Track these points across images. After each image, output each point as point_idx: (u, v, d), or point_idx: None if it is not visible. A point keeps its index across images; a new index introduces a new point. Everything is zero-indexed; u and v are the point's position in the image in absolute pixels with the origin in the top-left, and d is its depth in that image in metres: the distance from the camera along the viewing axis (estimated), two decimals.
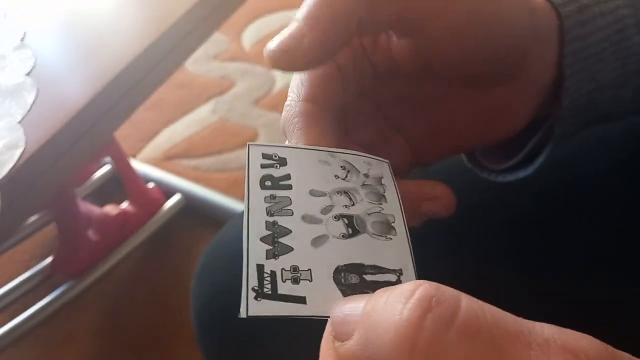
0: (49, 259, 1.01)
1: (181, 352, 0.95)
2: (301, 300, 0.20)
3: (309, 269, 0.21)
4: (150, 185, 1.10)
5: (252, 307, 0.20)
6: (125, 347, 0.97)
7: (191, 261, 1.08)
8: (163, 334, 0.98)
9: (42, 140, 0.54)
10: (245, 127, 1.29)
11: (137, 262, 1.07)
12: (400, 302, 0.17)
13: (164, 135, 1.30)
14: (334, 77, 0.27)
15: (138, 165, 1.16)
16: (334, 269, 0.22)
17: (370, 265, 0.22)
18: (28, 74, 0.59)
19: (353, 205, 0.24)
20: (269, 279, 0.21)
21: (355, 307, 0.19)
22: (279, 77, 1.40)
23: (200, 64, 1.45)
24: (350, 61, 0.28)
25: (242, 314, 0.20)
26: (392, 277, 0.22)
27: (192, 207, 1.12)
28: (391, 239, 0.24)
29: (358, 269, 0.22)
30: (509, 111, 0.30)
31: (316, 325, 0.21)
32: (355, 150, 0.27)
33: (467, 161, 0.35)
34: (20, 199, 0.54)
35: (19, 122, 0.54)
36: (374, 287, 0.21)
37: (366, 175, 0.26)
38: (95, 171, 1.17)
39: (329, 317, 0.20)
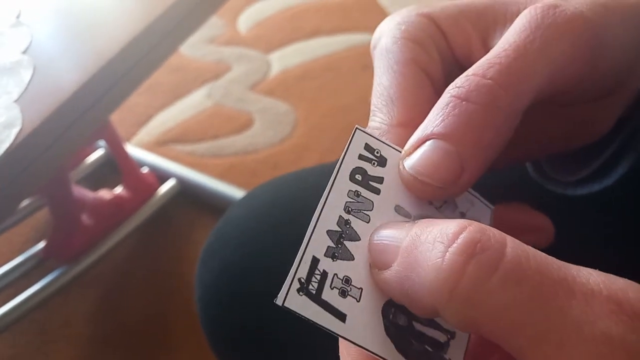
0: (43, 243, 1.00)
1: (180, 335, 0.94)
2: (341, 316, 0.19)
3: (361, 288, 0.20)
4: (145, 170, 1.09)
5: (291, 299, 0.19)
6: (122, 331, 0.96)
7: (186, 246, 1.08)
8: (160, 318, 0.97)
9: (39, 120, 0.53)
10: (241, 112, 1.28)
11: (132, 246, 1.06)
12: (442, 243, 0.17)
13: (158, 120, 1.28)
14: (430, 96, 0.23)
15: (132, 149, 1.15)
16: (386, 300, 0.20)
17: None
18: (24, 52, 0.57)
19: None
20: (318, 277, 0.19)
21: (394, 236, 0.19)
22: (276, 62, 1.39)
23: (195, 48, 1.44)
24: (442, 76, 0.25)
25: (278, 301, 0.18)
26: (442, 337, 0.20)
27: (187, 193, 1.11)
28: None
29: (411, 312, 0.20)
30: (594, 122, 0.27)
31: None
32: None
33: (533, 171, 0.32)
34: (18, 179, 0.53)
35: (16, 100, 0.53)
36: (419, 338, 0.20)
37: (462, 214, 0.23)
38: (88, 155, 1.16)
39: (362, 346, 0.19)
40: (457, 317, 0.17)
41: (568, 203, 0.31)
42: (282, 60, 1.40)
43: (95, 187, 1.05)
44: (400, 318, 0.20)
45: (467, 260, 0.16)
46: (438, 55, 0.25)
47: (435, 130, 0.21)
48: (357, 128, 0.22)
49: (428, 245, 0.18)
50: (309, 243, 0.20)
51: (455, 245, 0.17)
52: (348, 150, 0.22)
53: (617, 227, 0.35)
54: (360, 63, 1.36)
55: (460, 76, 0.22)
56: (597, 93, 0.25)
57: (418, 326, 0.20)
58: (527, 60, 0.21)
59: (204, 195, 1.10)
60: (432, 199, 0.22)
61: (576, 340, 0.15)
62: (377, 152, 0.22)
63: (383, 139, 0.23)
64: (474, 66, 0.22)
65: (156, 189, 1.08)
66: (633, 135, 0.27)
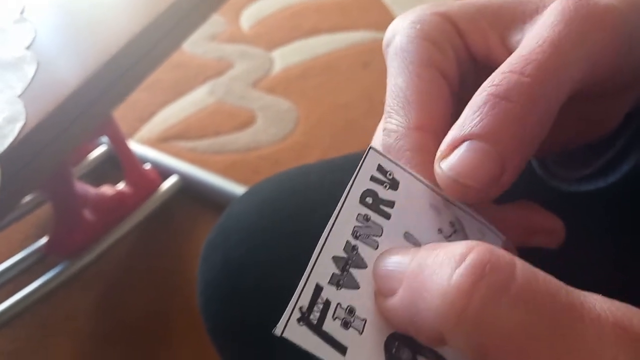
0: (44, 239, 1.00)
1: (180, 331, 0.95)
2: (341, 349, 0.18)
3: (365, 320, 0.19)
4: (147, 166, 1.09)
5: (291, 329, 0.18)
6: (124, 327, 0.97)
7: (188, 242, 1.08)
8: (161, 314, 0.97)
9: (42, 115, 0.53)
10: (243, 109, 1.28)
11: (133, 243, 1.06)
12: (449, 266, 0.17)
13: (160, 117, 1.29)
14: (447, 98, 0.23)
15: (134, 146, 1.15)
16: (390, 334, 0.19)
17: (430, 349, 0.19)
18: (28, 48, 0.58)
19: None
20: (320, 306, 0.18)
21: (400, 262, 0.19)
22: (278, 59, 1.39)
23: (197, 45, 1.44)
24: (458, 75, 0.24)
25: (277, 330, 0.18)
26: None
27: (189, 189, 1.11)
28: None
29: (415, 346, 0.19)
30: (607, 117, 0.26)
31: None
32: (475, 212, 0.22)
33: (538, 168, 0.31)
34: (21, 173, 0.53)
35: (19, 95, 0.53)
36: None
37: None
38: (91, 151, 1.16)
39: None
40: (466, 342, 0.16)
41: (571, 199, 0.30)
42: (284, 57, 1.40)
43: (97, 183, 1.06)
44: (404, 352, 0.19)
45: (477, 281, 0.16)
46: (453, 55, 0.24)
47: (473, 131, 0.20)
48: (371, 148, 0.21)
49: (434, 268, 0.17)
50: (313, 269, 0.19)
51: (463, 266, 0.16)
52: (360, 171, 0.21)
53: (621, 223, 0.34)
54: (361, 61, 1.36)
55: (496, 73, 0.21)
56: (620, 88, 0.24)
57: None
58: (563, 56, 0.21)
59: (206, 191, 1.10)
60: (471, 201, 0.22)
61: None
62: (390, 175, 0.21)
63: (397, 161, 0.22)
64: (508, 62, 0.21)
65: (158, 185, 1.08)
66: (639, 132, 0.27)
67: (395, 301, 0.18)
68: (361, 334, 0.19)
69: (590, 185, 0.29)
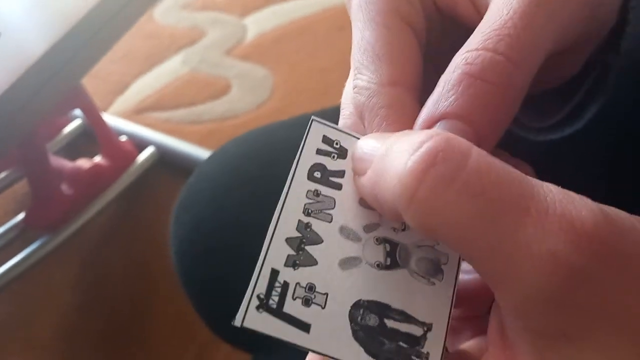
0: (22, 214, 0.99)
1: (159, 301, 0.95)
2: (305, 327, 0.18)
3: (326, 294, 0.19)
4: (123, 138, 1.08)
5: (250, 317, 0.18)
6: (105, 299, 0.97)
7: (166, 213, 1.07)
8: (141, 286, 0.98)
9: (6, 84, 0.52)
10: (218, 77, 1.27)
11: (112, 215, 1.06)
12: (407, 152, 0.17)
13: (134, 88, 1.27)
14: (416, 50, 0.22)
15: (109, 118, 1.14)
16: (353, 302, 0.19)
17: (397, 310, 0.19)
18: None
19: (403, 230, 0.20)
20: (279, 289, 0.18)
21: (373, 146, 0.20)
22: (251, 26, 1.38)
23: (169, 14, 1.42)
24: (424, 28, 0.23)
25: (237, 322, 0.18)
26: (418, 331, 0.19)
27: (165, 160, 1.10)
28: (434, 284, 0.20)
29: (381, 310, 0.19)
30: (566, 63, 0.26)
31: None
32: None
33: None
34: None
35: None
36: (391, 336, 0.19)
37: None
38: (65, 125, 1.14)
39: (327, 355, 0.18)
40: (416, 222, 0.17)
41: (540, 148, 0.30)
42: (258, 24, 1.38)
43: (73, 158, 1.05)
44: (370, 318, 0.19)
45: (427, 168, 0.17)
46: (420, 6, 0.23)
47: (450, 110, 0.19)
48: (313, 119, 0.21)
49: (397, 154, 0.18)
50: (267, 255, 0.19)
51: (417, 153, 0.17)
52: (305, 147, 0.20)
53: (591, 169, 0.34)
54: (337, 24, 1.35)
55: (469, 49, 0.20)
56: (582, 45, 0.24)
57: (391, 323, 0.19)
58: (536, 30, 0.20)
59: (183, 162, 1.09)
60: None
61: (523, 257, 0.16)
62: (337, 144, 0.21)
63: (343, 129, 0.21)
64: (479, 37, 0.20)
65: (135, 157, 1.08)
66: (601, 78, 0.27)
67: (364, 179, 0.20)
68: (324, 308, 0.19)
69: (557, 134, 0.29)
